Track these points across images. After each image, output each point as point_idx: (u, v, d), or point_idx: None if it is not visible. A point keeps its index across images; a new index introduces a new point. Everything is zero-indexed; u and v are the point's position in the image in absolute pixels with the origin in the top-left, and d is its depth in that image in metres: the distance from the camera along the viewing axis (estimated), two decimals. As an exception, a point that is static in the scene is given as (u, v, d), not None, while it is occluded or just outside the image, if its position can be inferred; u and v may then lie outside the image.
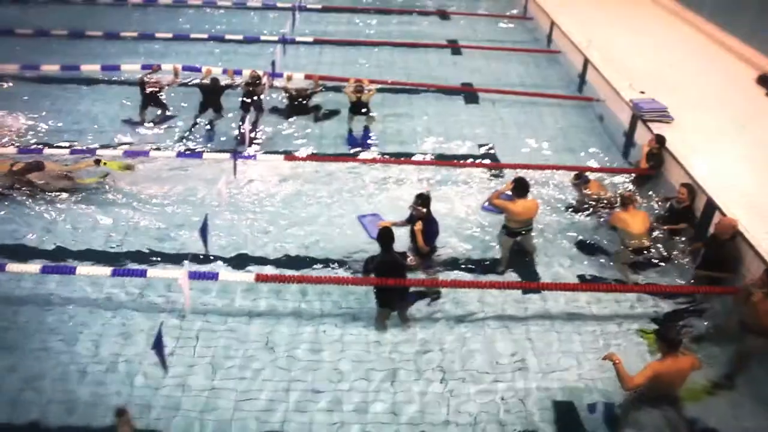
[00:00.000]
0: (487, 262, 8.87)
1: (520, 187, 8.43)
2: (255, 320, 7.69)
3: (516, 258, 8.86)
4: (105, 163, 10.32)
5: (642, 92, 12.18)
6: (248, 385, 6.81)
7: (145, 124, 12.01)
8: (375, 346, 7.43)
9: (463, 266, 8.78)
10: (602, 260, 8.97)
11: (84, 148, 10.96)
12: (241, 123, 11.89)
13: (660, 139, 10.37)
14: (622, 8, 17.86)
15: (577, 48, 14.78)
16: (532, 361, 7.33)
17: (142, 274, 7.79)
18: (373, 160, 10.99)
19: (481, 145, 11.91)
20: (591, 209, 9.79)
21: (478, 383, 7.01)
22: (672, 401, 6.35)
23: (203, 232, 7.19)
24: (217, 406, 6.57)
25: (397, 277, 7.39)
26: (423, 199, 7.99)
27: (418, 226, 7.85)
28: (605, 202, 9.73)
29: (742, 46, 14.67)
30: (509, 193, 8.67)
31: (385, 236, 7.25)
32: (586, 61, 14.13)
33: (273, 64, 12.63)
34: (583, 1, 18.07)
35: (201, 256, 8.33)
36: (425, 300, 8.11)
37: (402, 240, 8.11)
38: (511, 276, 8.67)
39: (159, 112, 12.24)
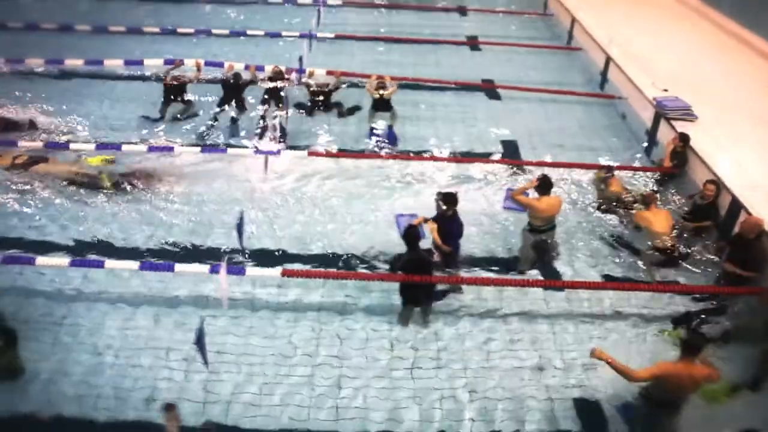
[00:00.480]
0: (510, 260, 8.90)
1: (545, 185, 8.44)
2: (280, 315, 7.77)
3: (539, 255, 8.87)
4: (86, 159, 10.31)
5: (665, 90, 12.11)
6: (272, 380, 6.92)
7: (167, 120, 12.06)
8: (397, 342, 7.50)
9: (485, 264, 8.81)
10: (624, 259, 8.97)
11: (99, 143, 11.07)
12: (263, 119, 11.96)
13: (684, 138, 10.31)
14: (642, 6, 17.70)
15: (598, 45, 14.70)
16: (554, 359, 7.37)
17: (170, 268, 7.88)
18: (396, 157, 11.01)
19: (503, 142, 11.92)
20: (612, 208, 9.76)
21: (500, 380, 7.08)
22: (680, 407, 6.25)
23: (239, 228, 7.27)
24: (244, 399, 6.68)
25: (424, 274, 7.43)
26: (446, 197, 8.02)
27: (432, 225, 7.90)
28: (626, 201, 9.70)
29: (765, 43, 14.52)
30: (527, 192, 8.70)
31: (410, 235, 7.30)
32: (608, 59, 14.05)
33: (300, 59, 12.63)
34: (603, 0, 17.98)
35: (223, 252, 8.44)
36: (448, 297, 8.15)
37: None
38: (534, 274, 8.68)
39: (182, 108, 12.31)
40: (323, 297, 8.07)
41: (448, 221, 8.00)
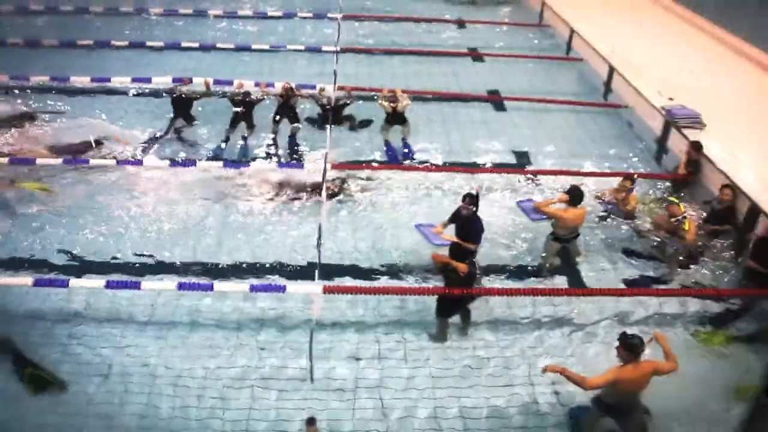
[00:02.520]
0: (534, 267, 9.10)
1: (576, 197, 8.62)
2: (319, 330, 7.83)
3: (562, 263, 9.10)
4: (19, 185, 10.11)
5: (671, 99, 12.40)
6: (318, 396, 7.00)
7: (179, 138, 12.04)
8: (437, 352, 7.63)
9: (509, 272, 9.01)
10: (648, 265, 9.20)
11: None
12: (275, 135, 12.00)
13: (696, 145, 10.59)
14: (635, 17, 17.97)
15: (600, 56, 14.94)
16: (578, 368, 7.51)
17: (209, 288, 7.91)
18: (413, 168, 11.15)
19: (515, 152, 12.13)
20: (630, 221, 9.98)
21: (527, 387, 7.26)
22: (634, 406, 6.38)
23: (318, 242, 7.47)
24: (297, 416, 6.75)
25: (470, 286, 7.57)
26: (472, 198, 8.16)
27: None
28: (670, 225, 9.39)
29: (759, 53, 14.89)
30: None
31: (459, 253, 7.46)
32: (612, 69, 14.31)
33: (335, 73, 12.49)
34: (597, 11, 18.26)
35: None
36: (477, 307, 8.28)
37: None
38: (557, 281, 8.91)
39: (189, 124, 12.30)
40: (361, 309, 8.19)
41: (470, 221, 8.13)
